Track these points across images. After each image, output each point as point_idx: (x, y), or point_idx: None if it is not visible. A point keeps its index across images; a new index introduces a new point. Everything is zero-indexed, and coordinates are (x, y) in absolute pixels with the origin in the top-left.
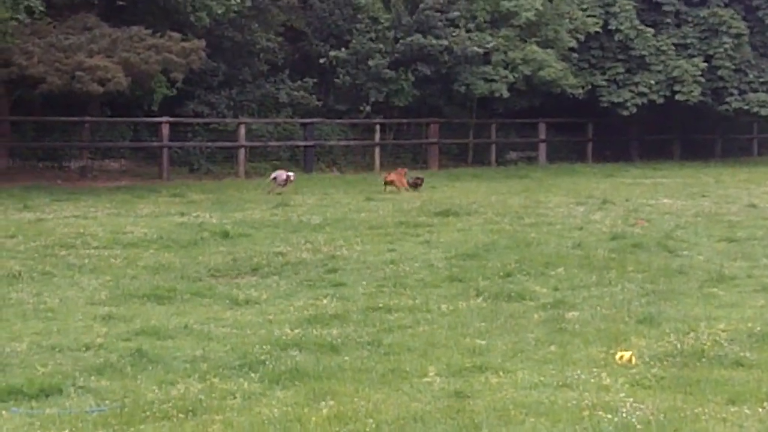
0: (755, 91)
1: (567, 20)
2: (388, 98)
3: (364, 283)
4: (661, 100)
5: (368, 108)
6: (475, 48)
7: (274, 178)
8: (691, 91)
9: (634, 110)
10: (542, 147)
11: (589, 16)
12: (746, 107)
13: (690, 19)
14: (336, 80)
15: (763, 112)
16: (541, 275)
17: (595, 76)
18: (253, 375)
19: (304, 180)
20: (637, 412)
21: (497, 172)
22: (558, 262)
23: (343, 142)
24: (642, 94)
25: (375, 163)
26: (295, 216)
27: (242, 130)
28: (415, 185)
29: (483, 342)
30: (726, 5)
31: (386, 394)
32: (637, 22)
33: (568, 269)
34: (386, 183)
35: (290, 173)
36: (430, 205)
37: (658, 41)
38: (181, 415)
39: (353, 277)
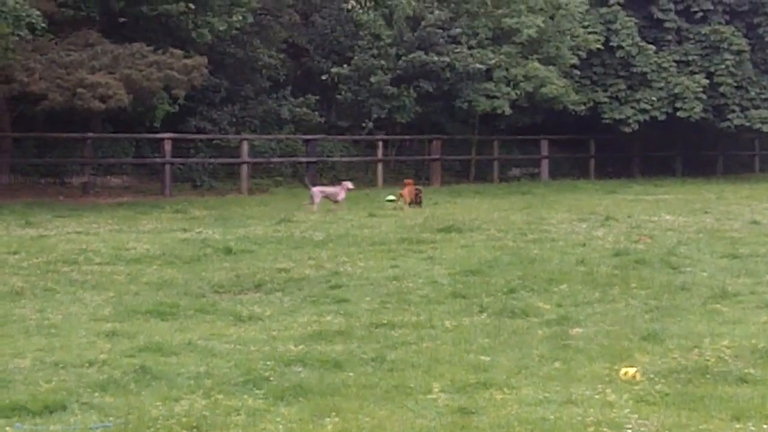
0: (757, 107)
1: (568, 37)
2: (391, 114)
3: (368, 299)
4: (662, 117)
5: (370, 124)
6: (477, 65)
7: (324, 195)
8: (693, 108)
9: (636, 127)
10: (544, 163)
11: (590, 33)
12: (748, 124)
13: (691, 36)
14: (338, 96)
15: (765, 128)
16: (544, 291)
17: (597, 92)
18: (257, 391)
19: (307, 196)
20: (642, 429)
21: (500, 188)
22: (561, 279)
23: (345, 159)
24: (644, 111)
25: (377, 179)
26: (297, 232)
27: (245, 146)
28: (417, 201)
29: (487, 358)
30: (727, 23)
31: (390, 411)
32: (638, 39)
33: (572, 285)
34: (401, 196)
35: (347, 183)
36: (432, 222)
37: (659, 58)
38: None
39: (357, 293)
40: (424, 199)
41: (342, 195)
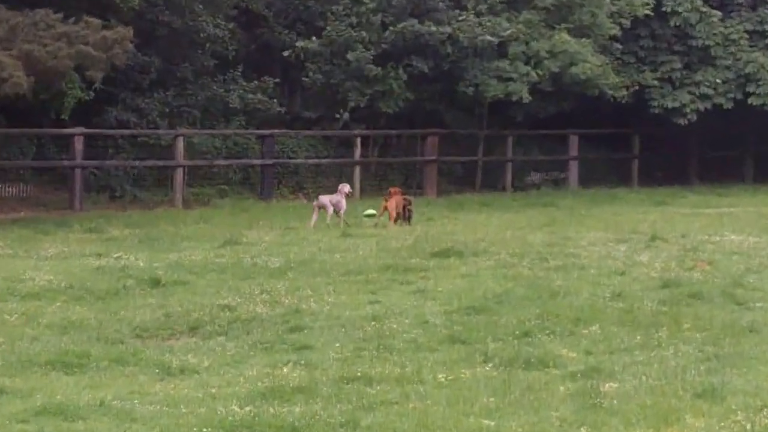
0: None
1: (608, 0)
2: (373, 103)
3: (338, 345)
4: (729, 105)
5: (346, 115)
6: (488, 37)
7: (322, 206)
8: None
9: (694, 118)
10: (573, 166)
11: None
12: None
13: None
14: (304, 79)
15: None
16: (569, 335)
17: (643, 73)
18: None
19: (261, 209)
20: None
21: (514, 199)
22: (592, 318)
23: (312, 161)
24: (705, 97)
25: (354, 187)
26: (247, 258)
27: (180, 144)
28: (406, 216)
29: (492, 423)
30: None
31: None
32: (699, 2)
33: (605, 327)
34: (384, 210)
35: (344, 186)
36: (425, 243)
37: (726, 28)
38: None
39: (323, 337)
40: (414, 214)
41: (344, 203)
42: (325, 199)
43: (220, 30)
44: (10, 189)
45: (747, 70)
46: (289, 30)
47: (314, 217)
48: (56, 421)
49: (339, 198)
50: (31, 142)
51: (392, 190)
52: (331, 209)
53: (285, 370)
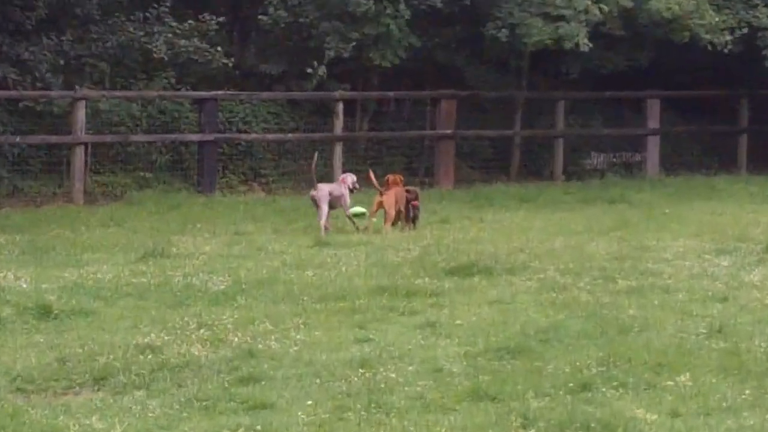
0: None
1: None
2: (362, 53)
3: (310, 403)
4: None
5: (322, 71)
6: None
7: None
8: None
9: None
10: (653, 145)
11: None
12: None
13: None
14: (262, 17)
15: None
16: (646, 388)
17: (755, 9)
18: None
19: (198, 207)
20: None
21: (567, 192)
22: (680, 364)
23: (273, 136)
24: None
25: (332, 172)
26: (178, 276)
27: (81, 112)
28: (411, 217)
29: None
30: None
31: None
32: None
33: (699, 376)
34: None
35: (348, 176)
36: (437, 255)
37: None
38: None
39: (289, 391)
40: (421, 213)
41: (348, 199)
42: (325, 190)
43: None
44: None
45: None
46: None
47: (322, 215)
48: None
49: (342, 190)
50: None
51: (390, 178)
52: (326, 207)
53: None
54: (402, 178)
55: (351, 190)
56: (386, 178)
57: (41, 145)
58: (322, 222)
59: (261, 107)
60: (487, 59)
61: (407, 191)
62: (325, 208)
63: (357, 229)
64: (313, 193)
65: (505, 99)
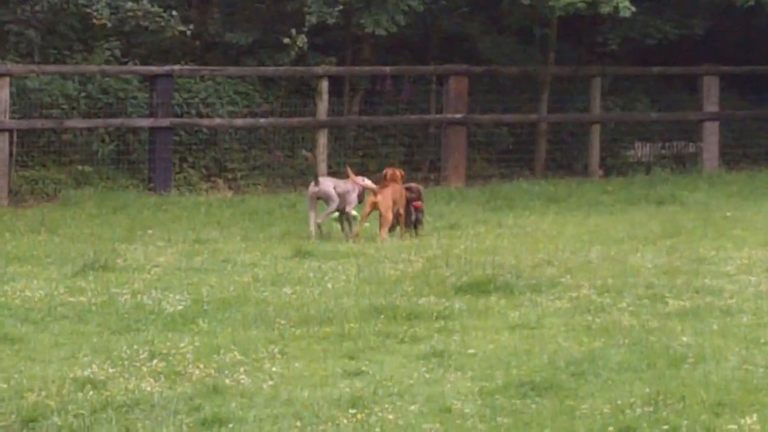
0: None
1: None
2: (350, 19)
3: None
4: None
5: (302, 41)
6: None
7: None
8: None
9: None
10: (711, 132)
11: None
12: None
13: None
14: None
15: None
16: (704, 431)
17: None
18: None
19: (150, 208)
20: None
21: (606, 191)
22: (744, 402)
23: (241, 120)
24: None
25: (317, 165)
26: (126, 294)
27: (3, 91)
28: (413, 220)
29: None
30: None
31: None
32: None
33: None
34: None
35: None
36: (445, 269)
37: None
38: None
39: None
40: (425, 216)
41: (354, 197)
42: (328, 185)
43: None
44: None
45: None
46: None
47: (312, 215)
48: None
49: (349, 188)
50: None
51: (388, 172)
52: (334, 205)
53: None
54: (403, 174)
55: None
56: (384, 172)
57: None
58: (315, 222)
59: (227, 85)
60: (506, 27)
61: (408, 189)
62: (333, 207)
63: (346, 236)
64: (312, 189)
65: (528, 76)
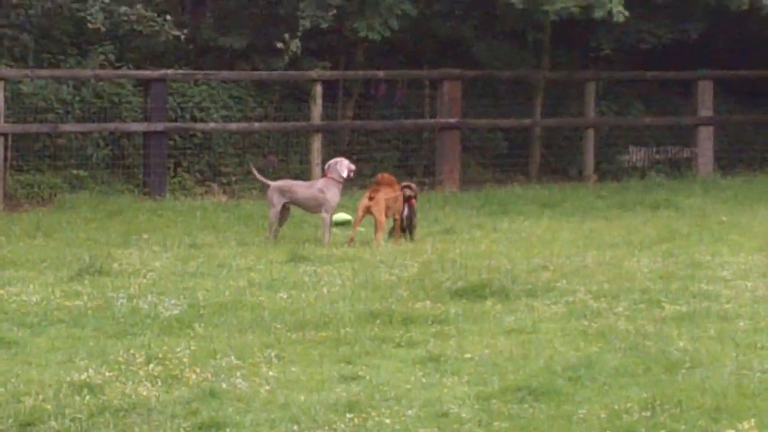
0: None
1: None
2: (344, 22)
3: None
4: None
5: (295, 45)
6: None
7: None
8: None
9: None
10: (705, 137)
11: None
12: None
13: None
14: None
15: None
16: None
17: None
18: None
19: (145, 213)
20: None
21: (600, 195)
22: (741, 407)
23: (236, 125)
24: None
25: (311, 169)
26: (121, 299)
27: None
28: (407, 225)
29: None
30: None
31: None
32: None
33: (766, 422)
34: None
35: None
36: (440, 273)
37: None
38: None
39: None
40: (419, 220)
41: (332, 196)
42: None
43: None
44: None
45: None
46: None
47: (273, 219)
48: None
49: (320, 186)
50: None
51: (381, 177)
52: (278, 205)
53: None
54: (394, 179)
55: (343, 179)
56: (376, 178)
57: None
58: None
59: (221, 90)
60: (499, 31)
61: (407, 187)
62: (275, 211)
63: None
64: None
65: (522, 80)
